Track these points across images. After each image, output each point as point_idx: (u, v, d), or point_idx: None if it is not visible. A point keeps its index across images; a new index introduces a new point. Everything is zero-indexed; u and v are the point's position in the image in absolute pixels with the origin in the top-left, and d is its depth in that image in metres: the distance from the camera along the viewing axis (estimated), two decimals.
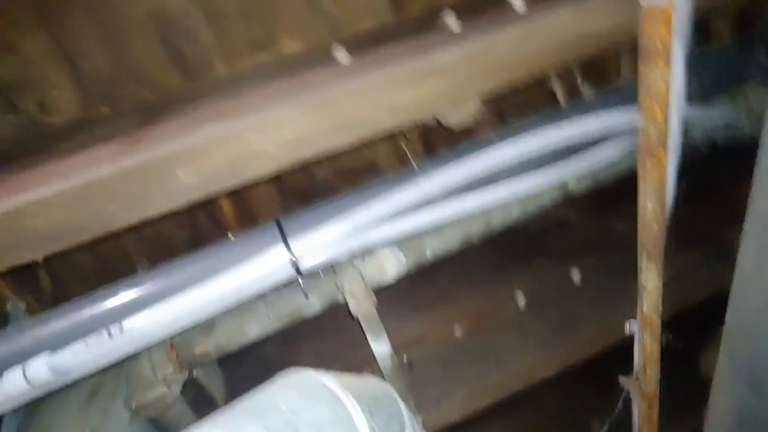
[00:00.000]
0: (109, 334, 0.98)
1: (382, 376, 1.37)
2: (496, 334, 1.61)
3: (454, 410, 1.48)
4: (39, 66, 1.25)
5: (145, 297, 1.03)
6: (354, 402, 0.86)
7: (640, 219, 1.19)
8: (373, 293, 1.20)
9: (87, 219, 0.90)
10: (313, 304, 1.34)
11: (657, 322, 1.34)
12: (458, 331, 1.64)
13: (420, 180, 1.13)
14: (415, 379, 1.54)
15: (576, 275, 1.74)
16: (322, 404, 0.83)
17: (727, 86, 1.60)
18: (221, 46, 1.34)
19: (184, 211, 1.48)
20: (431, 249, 1.38)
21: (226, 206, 1.51)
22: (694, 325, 1.78)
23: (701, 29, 1.77)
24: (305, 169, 1.56)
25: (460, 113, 1.05)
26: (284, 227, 1.10)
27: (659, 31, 0.96)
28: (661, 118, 1.05)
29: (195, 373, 1.39)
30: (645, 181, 1.13)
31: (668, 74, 1.01)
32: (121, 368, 1.36)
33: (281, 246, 1.07)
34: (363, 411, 0.86)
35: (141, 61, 1.31)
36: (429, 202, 1.15)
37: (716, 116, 1.56)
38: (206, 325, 1.31)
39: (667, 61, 0.99)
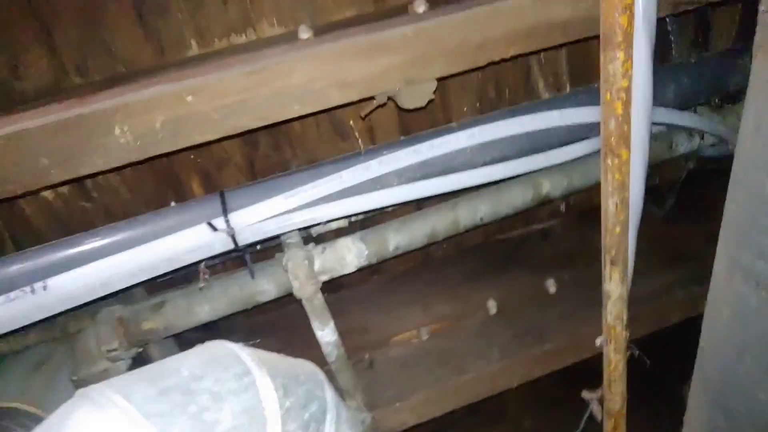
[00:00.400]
0: (33, 291, 0.96)
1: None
2: (461, 340, 1.56)
3: (411, 413, 1.43)
4: (14, 33, 1.26)
5: (75, 258, 1.01)
6: (266, 377, 0.83)
7: (602, 222, 1.14)
8: (317, 277, 1.16)
9: (19, 171, 0.89)
10: (267, 289, 1.31)
11: (622, 334, 1.27)
12: (424, 335, 1.60)
13: (369, 162, 1.10)
14: (373, 378, 1.49)
15: (552, 286, 1.68)
16: (229, 375, 0.80)
17: (717, 97, 1.56)
18: (198, 26, 1.35)
19: (153, 191, 1.49)
20: (395, 242, 1.34)
21: (197, 187, 1.50)
22: (677, 352, 1.70)
23: (698, 36, 1.74)
24: (281, 161, 1.55)
25: (415, 95, 1.03)
26: (227, 199, 1.07)
27: (618, 18, 0.92)
28: (621, 112, 1.01)
29: (149, 350, 1.36)
30: (606, 180, 1.08)
31: (629, 65, 0.97)
32: (72, 341, 1.34)
33: (220, 217, 1.05)
34: (275, 387, 0.82)
35: (116, 35, 1.31)
36: (381, 184, 1.12)
37: (704, 127, 1.51)
38: (156, 303, 1.29)
39: (628, 52, 0.96)
